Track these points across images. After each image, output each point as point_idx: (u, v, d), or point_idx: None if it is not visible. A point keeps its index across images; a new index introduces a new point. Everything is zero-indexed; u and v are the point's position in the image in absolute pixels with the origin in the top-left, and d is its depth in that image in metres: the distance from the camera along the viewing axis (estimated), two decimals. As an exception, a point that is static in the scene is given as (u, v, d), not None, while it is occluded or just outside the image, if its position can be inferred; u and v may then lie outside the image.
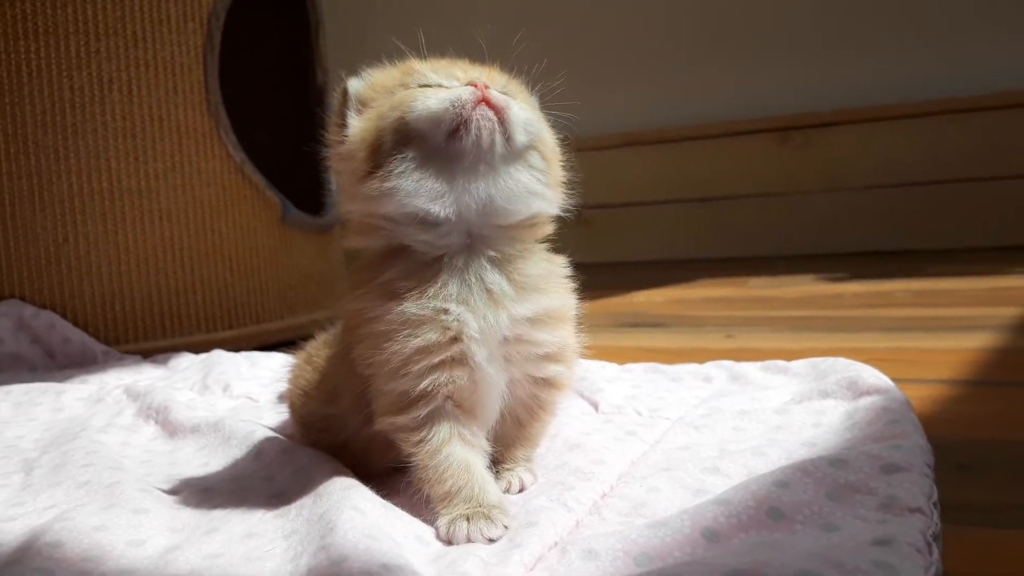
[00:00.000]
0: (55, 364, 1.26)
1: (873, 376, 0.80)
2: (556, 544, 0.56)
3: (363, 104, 0.65)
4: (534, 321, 0.62)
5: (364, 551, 0.47)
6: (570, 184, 0.69)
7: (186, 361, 1.20)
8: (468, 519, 0.57)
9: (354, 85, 0.67)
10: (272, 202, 1.47)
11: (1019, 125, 2.05)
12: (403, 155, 0.59)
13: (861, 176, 2.23)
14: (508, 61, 0.71)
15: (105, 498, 0.65)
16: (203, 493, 0.68)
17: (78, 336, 1.28)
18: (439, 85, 0.62)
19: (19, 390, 1.05)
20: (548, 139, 0.67)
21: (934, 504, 0.55)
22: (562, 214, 0.68)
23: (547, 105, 0.73)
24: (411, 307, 0.59)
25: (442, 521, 0.58)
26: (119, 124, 1.31)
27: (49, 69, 1.27)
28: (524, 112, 0.63)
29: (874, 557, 0.44)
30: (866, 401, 0.75)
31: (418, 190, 0.59)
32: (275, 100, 1.73)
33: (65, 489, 0.70)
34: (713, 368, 0.99)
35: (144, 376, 1.13)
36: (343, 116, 0.65)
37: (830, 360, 0.90)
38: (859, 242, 2.22)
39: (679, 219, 2.42)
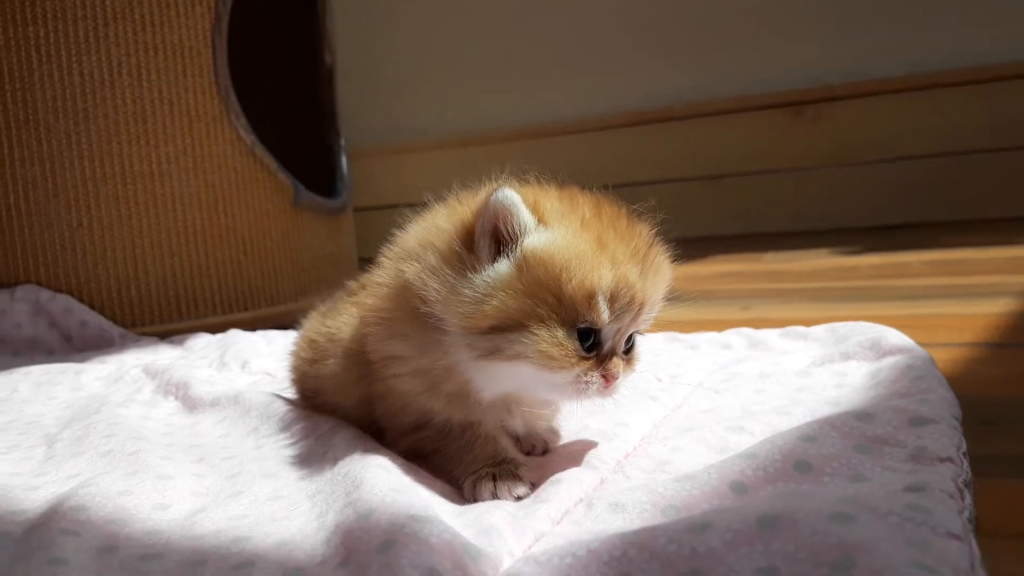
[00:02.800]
0: (72, 347, 1.26)
1: (895, 336, 0.79)
2: (581, 500, 0.55)
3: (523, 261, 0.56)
4: None
5: (391, 504, 0.47)
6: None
7: (203, 341, 1.20)
8: (495, 477, 0.57)
9: (533, 240, 0.56)
10: (284, 184, 1.47)
11: (1034, 95, 2.03)
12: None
13: (874, 149, 2.21)
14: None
15: (128, 465, 0.65)
16: (226, 461, 0.68)
17: (95, 319, 1.28)
18: (597, 324, 0.56)
19: (38, 371, 1.06)
20: None
21: (963, 454, 0.54)
22: None
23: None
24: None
25: (467, 480, 0.58)
26: (129, 108, 1.31)
27: (59, 54, 1.27)
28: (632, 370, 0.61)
29: (908, 501, 0.44)
30: (889, 360, 0.74)
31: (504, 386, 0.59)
32: (284, 82, 1.73)
33: (88, 459, 0.70)
34: (732, 335, 0.98)
35: (161, 356, 1.13)
36: (484, 241, 0.56)
37: (850, 324, 0.89)
38: (873, 216, 2.20)
39: (690, 196, 2.40)
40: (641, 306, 0.57)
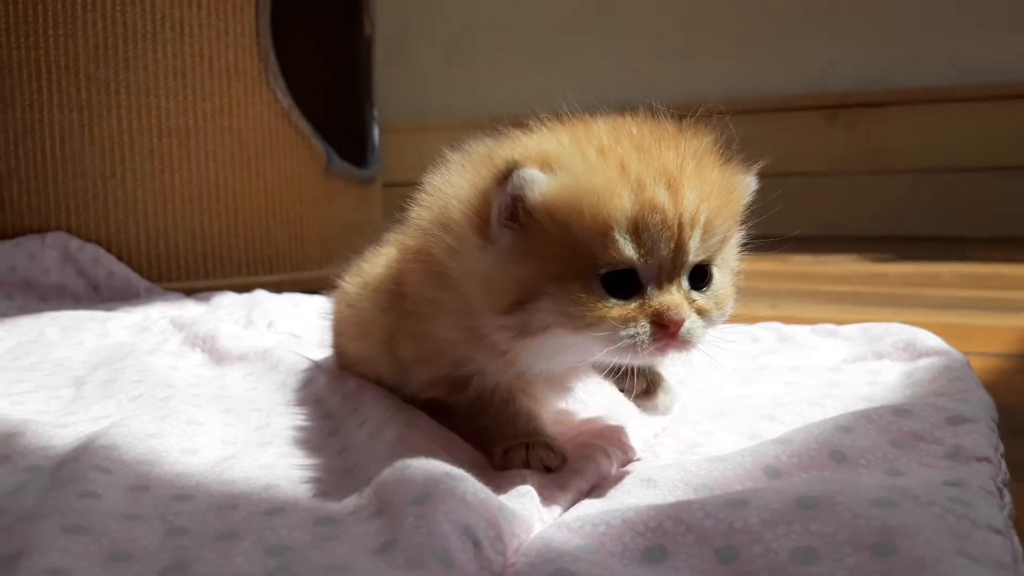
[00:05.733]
0: (99, 297, 1.27)
1: (931, 339, 0.78)
2: (612, 475, 0.55)
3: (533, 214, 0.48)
4: None
5: (425, 460, 0.47)
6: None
7: (229, 299, 1.20)
8: (527, 447, 0.56)
9: (535, 191, 0.48)
10: (317, 150, 1.47)
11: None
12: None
13: (907, 158, 2.18)
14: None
15: (158, 410, 0.66)
16: (253, 413, 0.69)
17: (122, 271, 1.29)
18: (627, 264, 0.47)
19: (66, 316, 1.07)
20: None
21: (1001, 455, 0.53)
22: None
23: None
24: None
25: (498, 448, 0.57)
26: (170, 62, 1.31)
27: (103, 3, 1.27)
28: (714, 313, 0.51)
29: (949, 494, 0.43)
30: (925, 362, 0.73)
31: (553, 361, 0.53)
32: (323, 49, 1.72)
33: (117, 402, 0.70)
34: (761, 329, 0.97)
35: (188, 311, 1.14)
36: (500, 215, 0.49)
37: (883, 324, 0.88)
38: (903, 226, 2.18)
39: (718, 195, 2.39)
40: (683, 231, 0.47)
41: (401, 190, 0.63)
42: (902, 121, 2.19)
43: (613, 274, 0.47)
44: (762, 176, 0.57)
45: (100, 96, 1.29)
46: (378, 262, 0.67)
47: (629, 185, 0.47)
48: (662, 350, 0.48)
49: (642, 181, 0.47)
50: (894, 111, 2.20)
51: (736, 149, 0.55)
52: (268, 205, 1.41)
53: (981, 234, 2.09)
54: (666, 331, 0.47)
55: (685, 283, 0.49)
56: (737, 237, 0.55)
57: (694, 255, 0.49)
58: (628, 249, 0.47)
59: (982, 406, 0.59)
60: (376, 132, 1.73)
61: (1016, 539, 0.41)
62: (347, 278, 0.73)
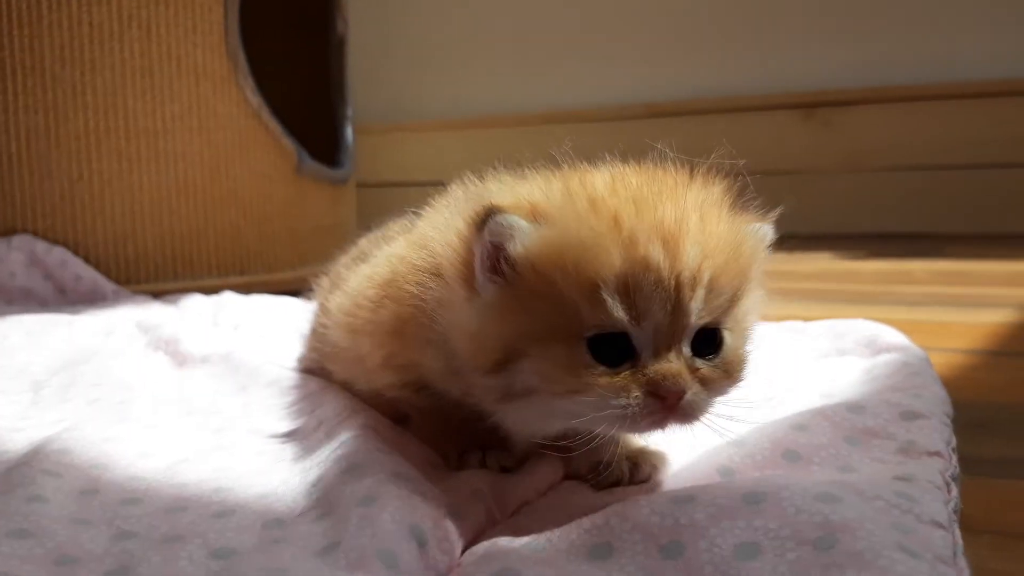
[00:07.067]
0: (66, 300, 1.26)
1: (892, 334, 0.79)
2: (567, 474, 0.55)
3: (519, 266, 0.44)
4: None
5: (376, 461, 0.46)
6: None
7: (197, 301, 1.19)
8: (483, 449, 0.55)
9: (522, 243, 0.44)
10: (287, 150, 1.46)
11: (1047, 111, 2.02)
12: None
13: (883, 156, 2.20)
14: None
15: (115, 414, 0.65)
16: (213, 416, 0.68)
17: (89, 274, 1.27)
18: (617, 327, 0.43)
19: (31, 320, 1.05)
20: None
21: (952, 450, 0.54)
22: None
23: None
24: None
25: (454, 450, 0.57)
26: (136, 62, 1.30)
27: (69, 3, 1.26)
28: (722, 383, 0.46)
29: (895, 488, 0.43)
30: (885, 357, 0.74)
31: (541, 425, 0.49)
32: (294, 49, 1.71)
33: (75, 405, 0.69)
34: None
35: (155, 313, 1.12)
36: (483, 265, 0.46)
37: (848, 321, 0.89)
38: (878, 223, 2.19)
39: (695, 194, 2.39)
40: (682, 291, 0.43)
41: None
42: (878, 119, 2.21)
43: (601, 337, 0.43)
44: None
45: (66, 97, 1.28)
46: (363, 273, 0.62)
47: (620, 240, 0.43)
48: (659, 423, 0.44)
49: (635, 236, 0.43)
50: (870, 109, 2.22)
51: (752, 198, 0.50)
52: (237, 206, 1.39)
53: (957, 231, 2.11)
54: (663, 403, 0.43)
55: (687, 349, 0.45)
56: (755, 296, 0.51)
57: (696, 318, 0.44)
58: (617, 310, 0.42)
59: (936, 401, 0.60)
60: (350, 132, 1.72)
61: (958, 533, 0.42)
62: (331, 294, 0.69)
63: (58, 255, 1.27)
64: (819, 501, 0.40)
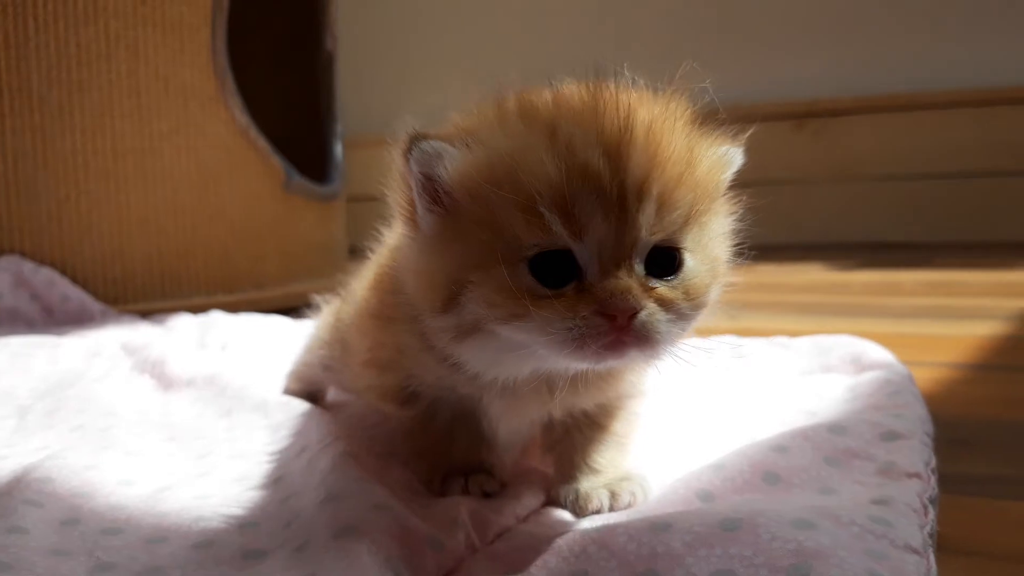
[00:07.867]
0: (53, 321, 1.25)
1: (876, 351, 0.79)
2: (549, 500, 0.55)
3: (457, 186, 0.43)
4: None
5: (355, 492, 0.46)
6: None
7: (184, 321, 1.19)
8: (465, 475, 0.55)
9: (449, 160, 0.43)
10: (275, 168, 1.46)
11: (1035, 120, 2.03)
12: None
13: (874, 166, 2.21)
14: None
15: (98, 440, 0.65)
16: (197, 441, 0.68)
17: (77, 294, 1.27)
18: (558, 244, 0.40)
19: (17, 342, 1.05)
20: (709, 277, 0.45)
21: (932, 470, 0.54)
22: None
23: None
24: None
25: (436, 475, 0.56)
26: (124, 82, 1.30)
27: (56, 24, 1.26)
28: (683, 305, 0.42)
29: (871, 513, 0.44)
30: (868, 375, 0.74)
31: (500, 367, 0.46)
32: (283, 66, 1.72)
33: (58, 432, 0.69)
34: (714, 342, 0.98)
35: (141, 334, 1.12)
36: (419, 198, 0.44)
37: (834, 337, 0.89)
38: (869, 233, 2.20)
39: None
40: (627, 201, 0.39)
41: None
42: (869, 128, 2.22)
43: (543, 256, 0.40)
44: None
45: (54, 118, 1.28)
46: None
47: (555, 150, 0.39)
48: (613, 347, 0.39)
49: (572, 144, 0.39)
50: (861, 119, 2.23)
51: (724, 119, 0.47)
52: (226, 224, 1.39)
53: (947, 240, 2.12)
54: (613, 323, 0.39)
55: (639, 267, 0.41)
56: (721, 221, 0.48)
57: (647, 232, 0.41)
58: (556, 225, 0.39)
59: (917, 421, 0.60)
60: (339, 148, 1.72)
61: (932, 557, 0.42)
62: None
63: (45, 275, 1.27)
64: (794, 527, 0.40)
